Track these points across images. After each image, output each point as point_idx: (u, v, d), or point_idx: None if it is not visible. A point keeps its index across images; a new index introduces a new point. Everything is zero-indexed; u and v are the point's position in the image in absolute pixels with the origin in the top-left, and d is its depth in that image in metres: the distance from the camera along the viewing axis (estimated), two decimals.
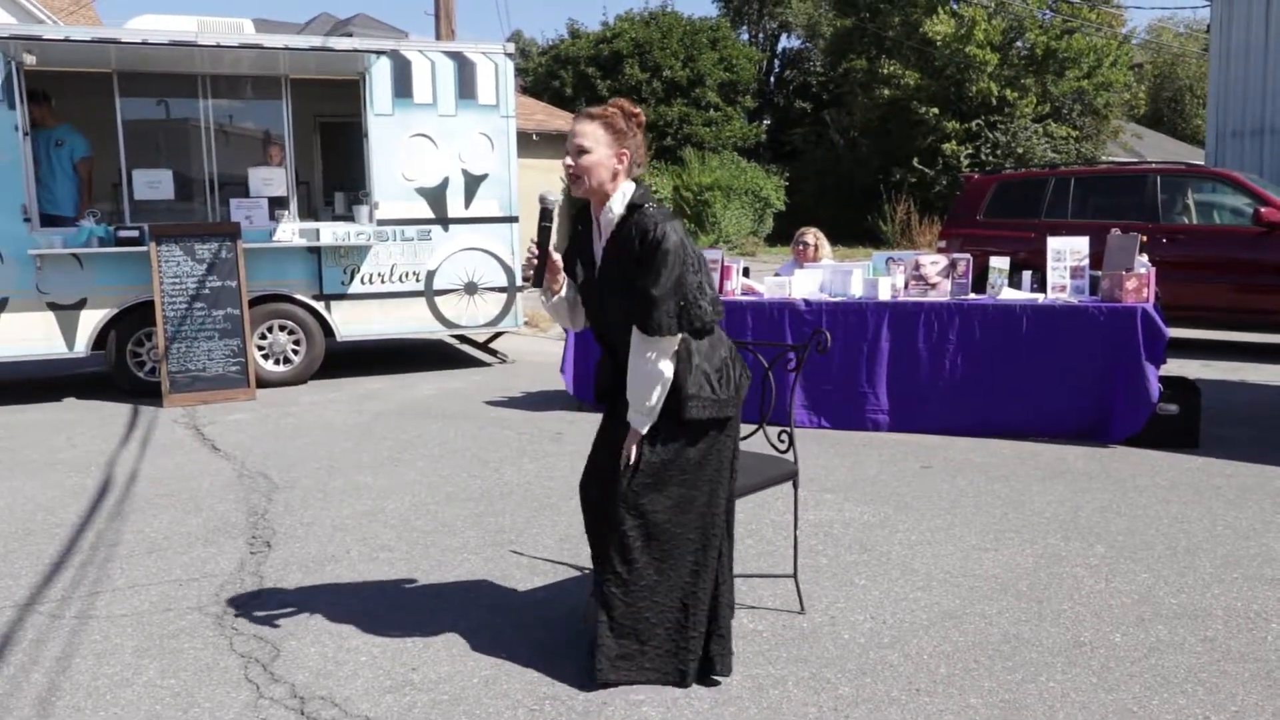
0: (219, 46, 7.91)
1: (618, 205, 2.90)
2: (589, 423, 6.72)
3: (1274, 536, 4.18)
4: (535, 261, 2.91)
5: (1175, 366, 7.49)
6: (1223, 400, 6.95)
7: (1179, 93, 40.41)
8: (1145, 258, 6.22)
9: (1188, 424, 5.80)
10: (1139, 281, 5.88)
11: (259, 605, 3.62)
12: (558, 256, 2.98)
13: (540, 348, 10.32)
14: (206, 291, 7.86)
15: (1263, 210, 8.91)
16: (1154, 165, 10.73)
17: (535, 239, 2.90)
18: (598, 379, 3.16)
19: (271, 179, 8.53)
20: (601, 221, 2.95)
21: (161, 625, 3.46)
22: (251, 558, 4.14)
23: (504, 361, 9.58)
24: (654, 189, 20.47)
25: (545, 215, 2.88)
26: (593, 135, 2.86)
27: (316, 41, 8.66)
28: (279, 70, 8.41)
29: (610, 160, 2.88)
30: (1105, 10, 28.35)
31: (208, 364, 7.81)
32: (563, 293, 3.02)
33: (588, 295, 3.04)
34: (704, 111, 27.37)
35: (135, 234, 7.78)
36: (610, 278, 2.92)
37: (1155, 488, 4.95)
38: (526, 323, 10.63)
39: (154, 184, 8.29)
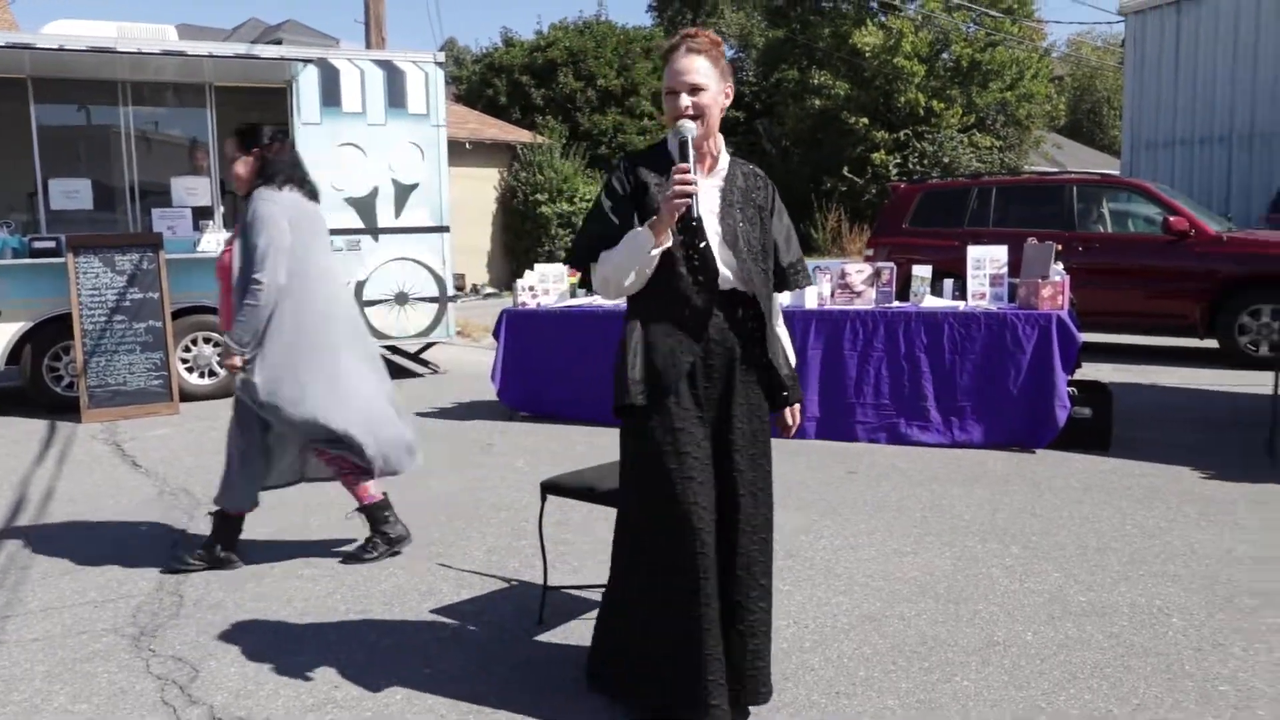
0: (140, 54, 7.74)
1: (724, 148, 2.69)
2: (519, 432, 6.71)
3: (1178, 535, 4.33)
4: (690, 189, 2.45)
5: (1090, 370, 7.71)
6: (1134, 403, 7.18)
7: (1097, 104, 41.70)
8: (1060, 266, 6.41)
9: (1100, 427, 5.98)
10: (1054, 289, 6.05)
11: (178, 625, 3.54)
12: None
13: (472, 357, 10.26)
14: (127, 304, 7.67)
15: (1172, 219, 9.24)
16: (1071, 175, 11.06)
17: (687, 166, 2.48)
18: (663, 361, 2.59)
19: (195, 188, 8.38)
20: (711, 167, 2.65)
21: (75, 649, 3.36)
22: (171, 577, 4.05)
23: (435, 372, 9.51)
24: (587, 198, 20.44)
25: (684, 147, 2.53)
26: (705, 71, 2.56)
27: (241, 49, 8.51)
28: (203, 78, 8.27)
29: (721, 97, 2.61)
30: (1027, 24, 29.12)
31: (129, 378, 7.62)
32: (666, 243, 2.56)
33: (703, 244, 2.60)
34: (638, 120, 27.43)
35: (51, 245, 7.58)
36: (738, 227, 2.64)
37: (1069, 489, 5.10)
38: (458, 332, 10.57)
39: (71, 193, 8.09)
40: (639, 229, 2.54)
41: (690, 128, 2.53)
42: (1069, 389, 5.94)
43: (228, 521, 4.14)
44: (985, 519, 4.63)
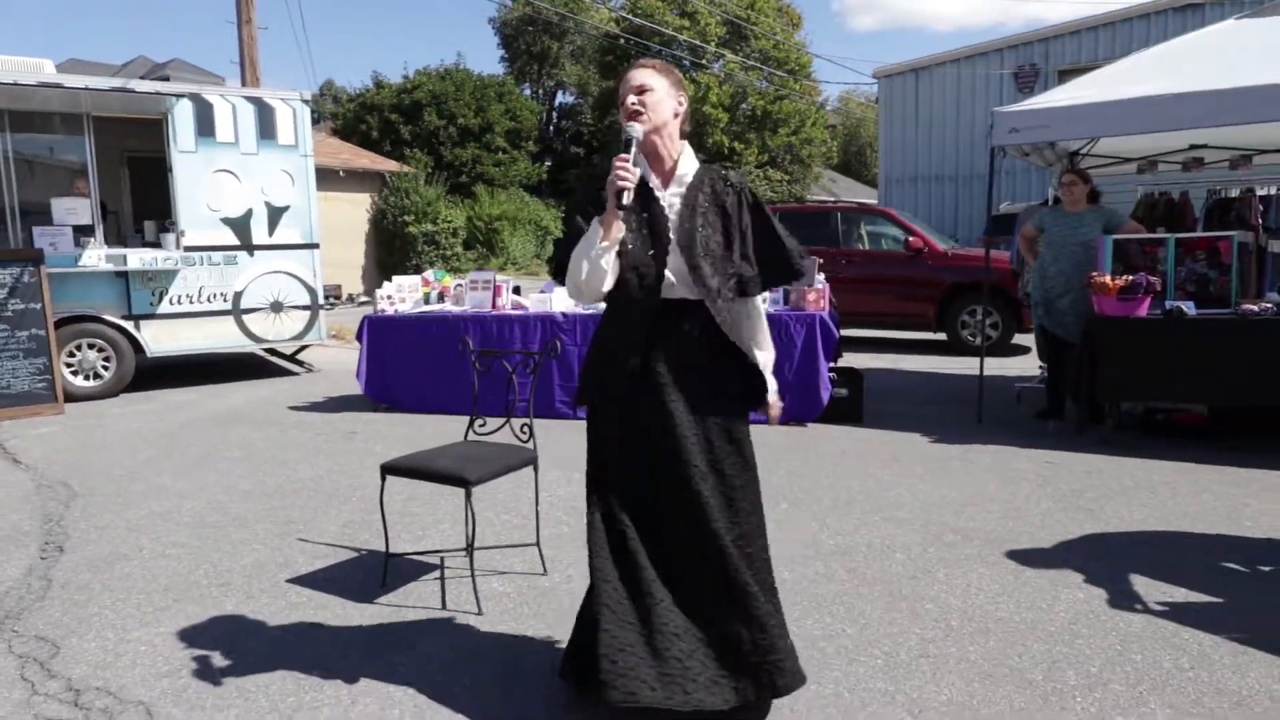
0: (16, 85, 7.00)
1: (689, 155, 2.37)
2: (381, 422, 6.46)
3: (906, 487, 4.59)
4: (629, 181, 2.19)
5: (851, 359, 8.08)
6: (883, 384, 7.58)
7: (862, 148, 43.91)
8: (822, 275, 6.68)
9: (855, 404, 6.28)
10: (818, 294, 6.30)
11: (44, 607, 3.22)
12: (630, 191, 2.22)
13: (343, 357, 9.82)
14: (9, 314, 6.93)
15: (911, 239, 9.82)
16: (836, 203, 11.55)
17: (628, 158, 2.20)
18: (615, 367, 2.32)
19: (76, 208, 7.64)
20: (670, 173, 2.35)
21: None
22: (41, 562, 3.68)
23: (310, 371, 9.05)
24: (449, 220, 19.93)
25: (628, 144, 2.25)
26: (652, 78, 2.30)
27: (117, 83, 7.82)
28: (81, 109, 7.55)
29: (672, 101, 2.32)
30: (806, 82, 30.34)
31: (12, 382, 6.89)
32: (617, 236, 2.27)
33: (651, 251, 2.31)
34: (493, 154, 27.01)
35: None
36: (696, 234, 2.30)
37: (830, 455, 5.32)
38: (333, 336, 10.12)
39: None
40: (592, 224, 2.28)
41: (636, 128, 2.26)
42: (831, 374, 6.22)
43: None
44: (763, 481, 4.75)
